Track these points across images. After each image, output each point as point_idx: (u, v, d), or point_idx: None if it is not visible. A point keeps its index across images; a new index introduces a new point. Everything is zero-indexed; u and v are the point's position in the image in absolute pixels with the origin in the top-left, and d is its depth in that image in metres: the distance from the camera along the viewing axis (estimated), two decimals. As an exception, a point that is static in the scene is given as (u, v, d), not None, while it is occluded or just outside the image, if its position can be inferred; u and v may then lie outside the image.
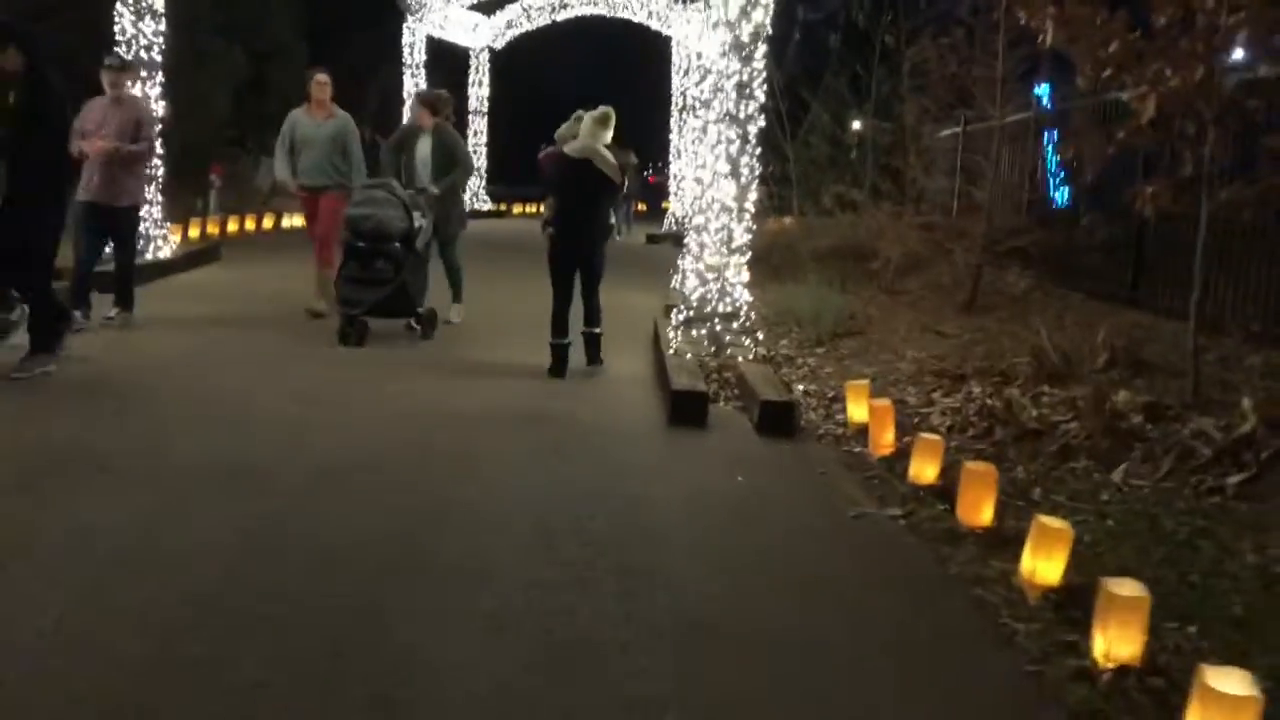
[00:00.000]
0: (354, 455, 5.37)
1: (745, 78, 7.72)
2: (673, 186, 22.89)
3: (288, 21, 27.43)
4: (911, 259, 11.84)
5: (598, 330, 7.87)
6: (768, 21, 7.67)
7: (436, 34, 24.57)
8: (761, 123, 7.91)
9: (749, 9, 7.64)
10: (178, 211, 16.69)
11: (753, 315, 8.16)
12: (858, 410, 6.49)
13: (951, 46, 9.63)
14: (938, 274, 12.25)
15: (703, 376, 7.21)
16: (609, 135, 7.57)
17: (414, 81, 23.63)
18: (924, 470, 5.31)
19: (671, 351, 7.77)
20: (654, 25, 24.51)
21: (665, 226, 22.55)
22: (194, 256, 12.36)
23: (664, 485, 5.22)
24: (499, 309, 10.97)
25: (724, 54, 7.76)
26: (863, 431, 6.35)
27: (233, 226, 16.45)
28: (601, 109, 7.61)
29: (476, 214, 26.58)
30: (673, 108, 22.61)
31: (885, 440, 5.96)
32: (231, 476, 4.86)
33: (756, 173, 7.94)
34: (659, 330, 8.81)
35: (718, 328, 7.93)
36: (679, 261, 12.19)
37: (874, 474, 5.66)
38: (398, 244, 8.16)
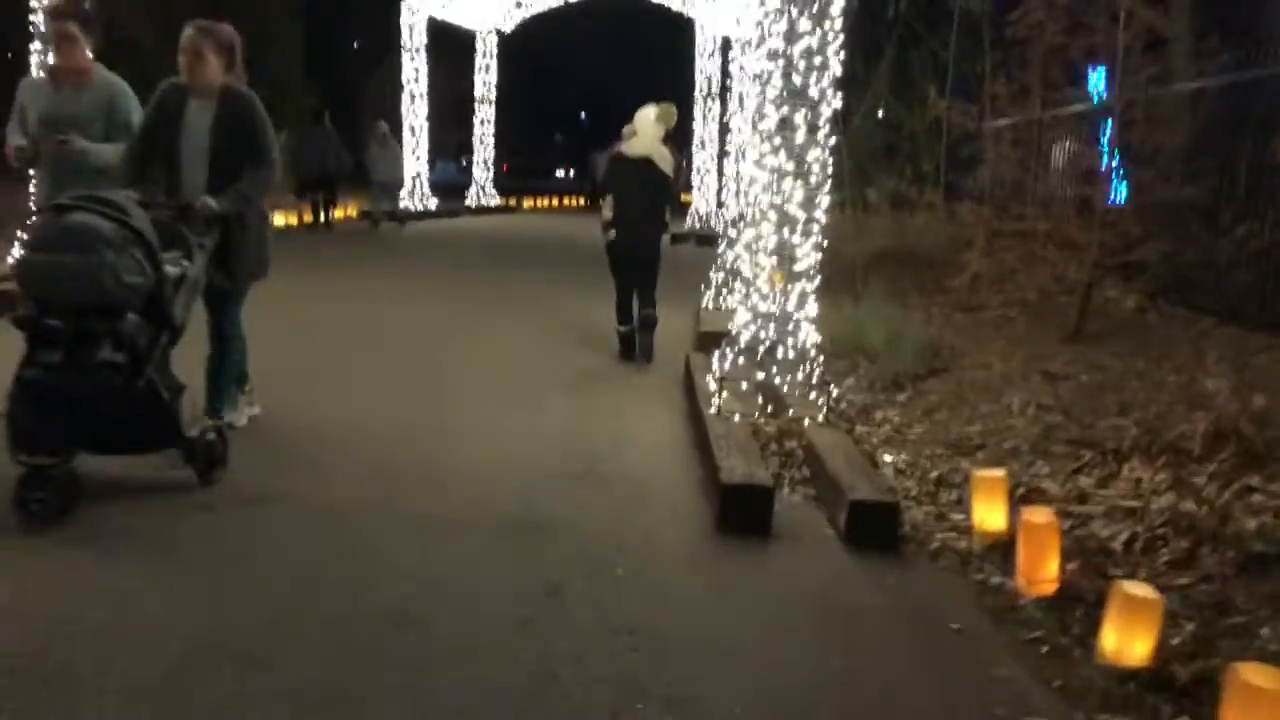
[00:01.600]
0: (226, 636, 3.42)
1: (816, 42, 5.69)
2: (696, 180, 20.87)
3: (280, 2, 25.55)
4: (990, 268, 9.83)
5: (654, 317, 8.13)
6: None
7: (439, 15, 22.59)
8: (837, 103, 5.88)
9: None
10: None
11: (820, 358, 6.13)
12: (991, 515, 4.50)
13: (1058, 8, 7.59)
14: (1019, 286, 10.25)
15: (759, 452, 5.24)
16: (664, 131, 7.79)
17: (414, 67, 21.71)
18: (1131, 644, 3.34)
19: (713, 410, 5.79)
20: (675, 5, 22.44)
21: (688, 223, 20.54)
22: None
23: (717, 672, 3.26)
24: (490, 349, 9.00)
25: (785, 8, 5.73)
26: (997, 546, 4.38)
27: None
28: (663, 105, 7.82)
29: (483, 210, 24.70)
30: (696, 94, 20.60)
31: (1045, 573, 3.99)
32: None
33: (830, 170, 5.93)
34: (693, 375, 6.84)
35: (776, 379, 5.93)
36: (712, 274, 10.21)
37: (1039, 635, 3.69)
38: (131, 315, 4.20)
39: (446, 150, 32.82)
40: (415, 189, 21.95)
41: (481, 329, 9.21)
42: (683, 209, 20.32)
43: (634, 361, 8.01)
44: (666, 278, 11.85)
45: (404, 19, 21.53)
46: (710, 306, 9.75)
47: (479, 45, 24.91)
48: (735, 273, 9.81)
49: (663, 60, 27.51)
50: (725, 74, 21.90)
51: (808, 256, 5.97)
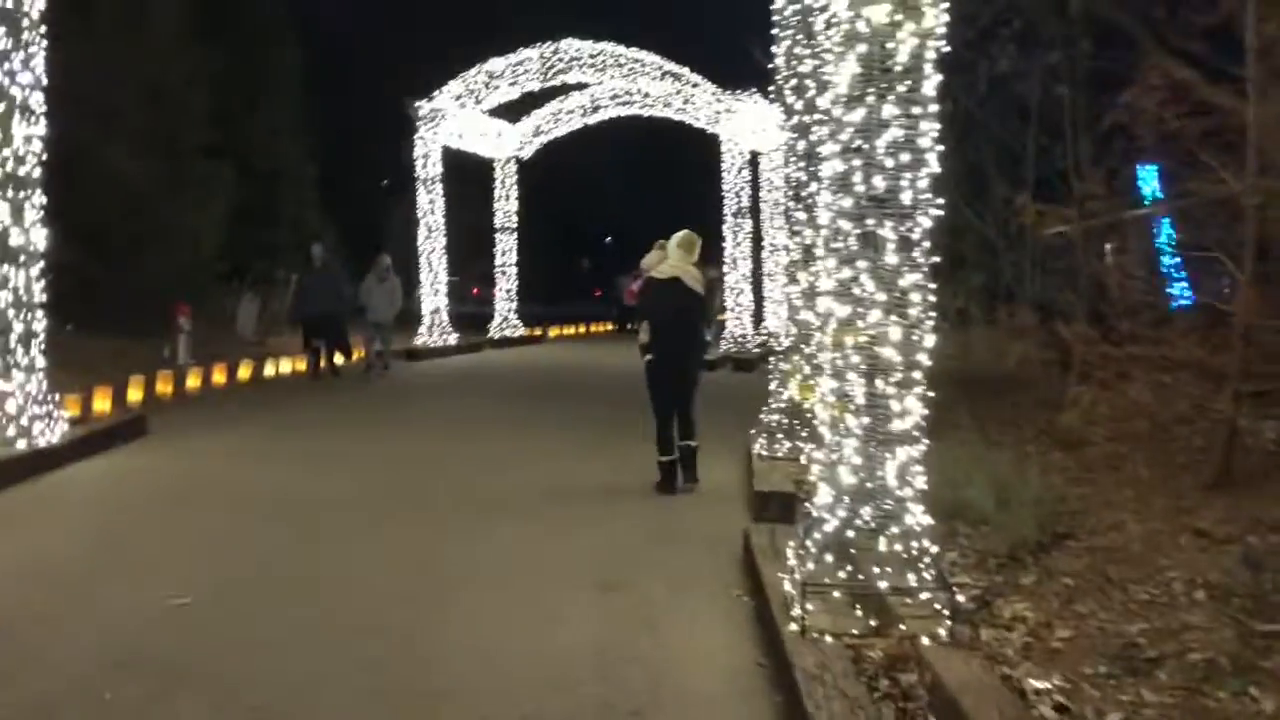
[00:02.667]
0: None
1: (904, 132, 4.31)
2: (729, 298, 19.62)
3: (294, 141, 25.02)
4: (1097, 395, 8.32)
5: (694, 444, 8.06)
6: (940, 25, 4.31)
7: (454, 144, 21.87)
8: (939, 210, 4.47)
9: (908, 6, 4.26)
10: (133, 363, 13.66)
11: (932, 549, 4.56)
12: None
13: (1179, 85, 6.26)
14: (1122, 412, 8.73)
15: (868, 694, 3.70)
16: (694, 256, 8.04)
17: (429, 199, 20.85)
18: None
19: (795, 628, 4.26)
20: (699, 123, 21.63)
21: (723, 347, 19.22)
22: (98, 439, 9.11)
23: None
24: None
25: (858, 87, 4.38)
26: None
27: (193, 382, 13.26)
28: (684, 232, 8.08)
29: (506, 341, 23.55)
30: (725, 212, 19.53)
31: None
32: None
33: (932, 302, 4.49)
34: (757, 564, 5.32)
35: (879, 580, 4.39)
36: (763, 415, 8.76)
37: None
38: None
39: (469, 282, 32.03)
40: (434, 324, 20.85)
41: (490, 497, 7.75)
42: (719, 326, 19.11)
43: (675, 493, 7.84)
44: (703, 407, 10.48)
45: (417, 151, 20.77)
46: (763, 453, 8.28)
47: (497, 174, 24.16)
48: (793, 412, 8.37)
49: (688, 177, 26.68)
50: (755, 188, 20.98)
51: (910, 414, 4.47)
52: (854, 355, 4.53)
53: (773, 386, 8.61)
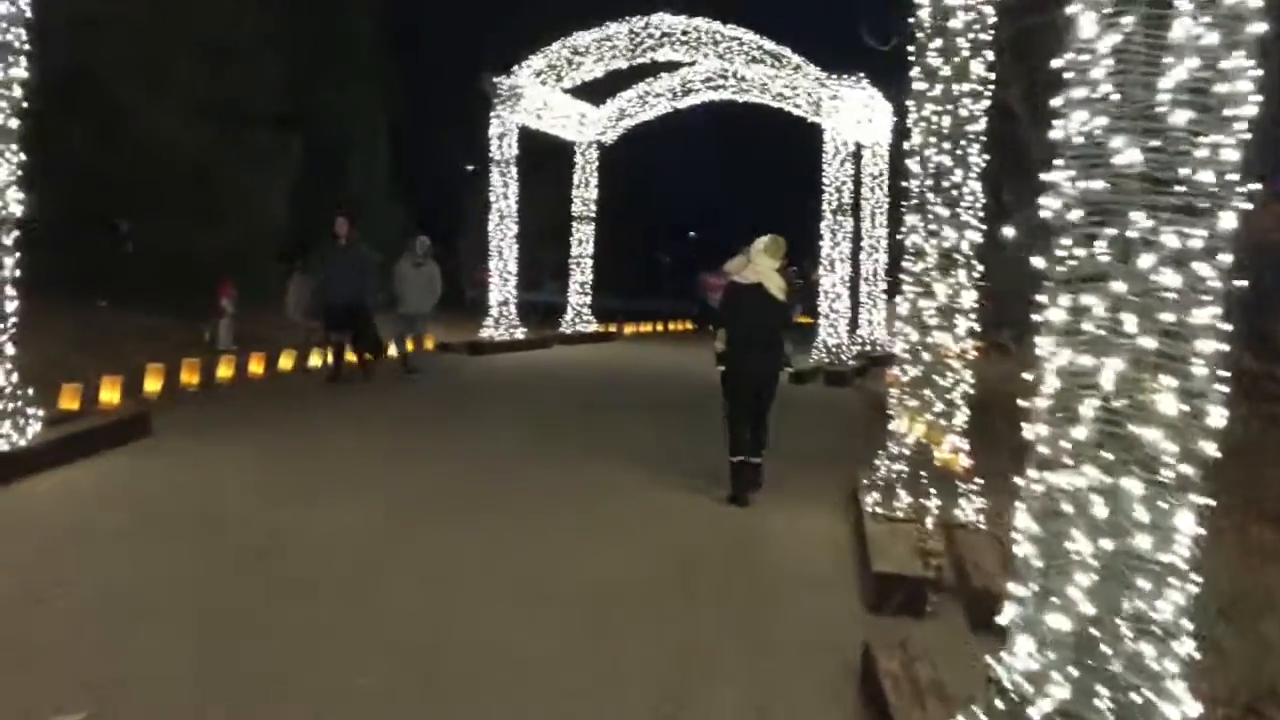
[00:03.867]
0: None
1: (1204, 67, 2.55)
2: (823, 308, 17.78)
3: (367, 115, 23.82)
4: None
5: (759, 460, 7.83)
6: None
7: (533, 124, 20.38)
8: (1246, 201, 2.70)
9: None
10: (165, 347, 12.39)
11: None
12: None
13: None
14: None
15: None
16: (777, 261, 7.82)
17: (503, 181, 19.38)
18: None
19: None
20: (798, 111, 19.80)
21: (814, 357, 17.40)
22: (81, 441, 7.72)
23: None
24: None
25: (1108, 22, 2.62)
26: None
27: (225, 371, 11.89)
28: (770, 237, 7.87)
29: (578, 337, 22.03)
30: (824, 208, 17.67)
31: None
32: None
33: (1223, 353, 2.73)
34: (890, 707, 3.63)
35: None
36: (881, 462, 7.02)
37: None
38: None
39: (541, 271, 30.66)
40: (501, 316, 19.40)
41: (525, 569, 6.14)
42: (804, 335, 17.31)
43: (743, 504, 7.49)
44: (789, 433, 9.38)
45: (493, 130, 19.31)
46: (877, 510, 6.54)
47: (577, 159, 22.64)
48: (919, 461, 6.61)
49: (782, 170, 24.85)
50: (857, 184, 19.10)
51: (1178, 536, 2.72)
52: (1087, 430, 2.80)
53: (893, 425, 6.85)
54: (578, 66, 18.54)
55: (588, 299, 22.96)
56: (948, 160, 6.38)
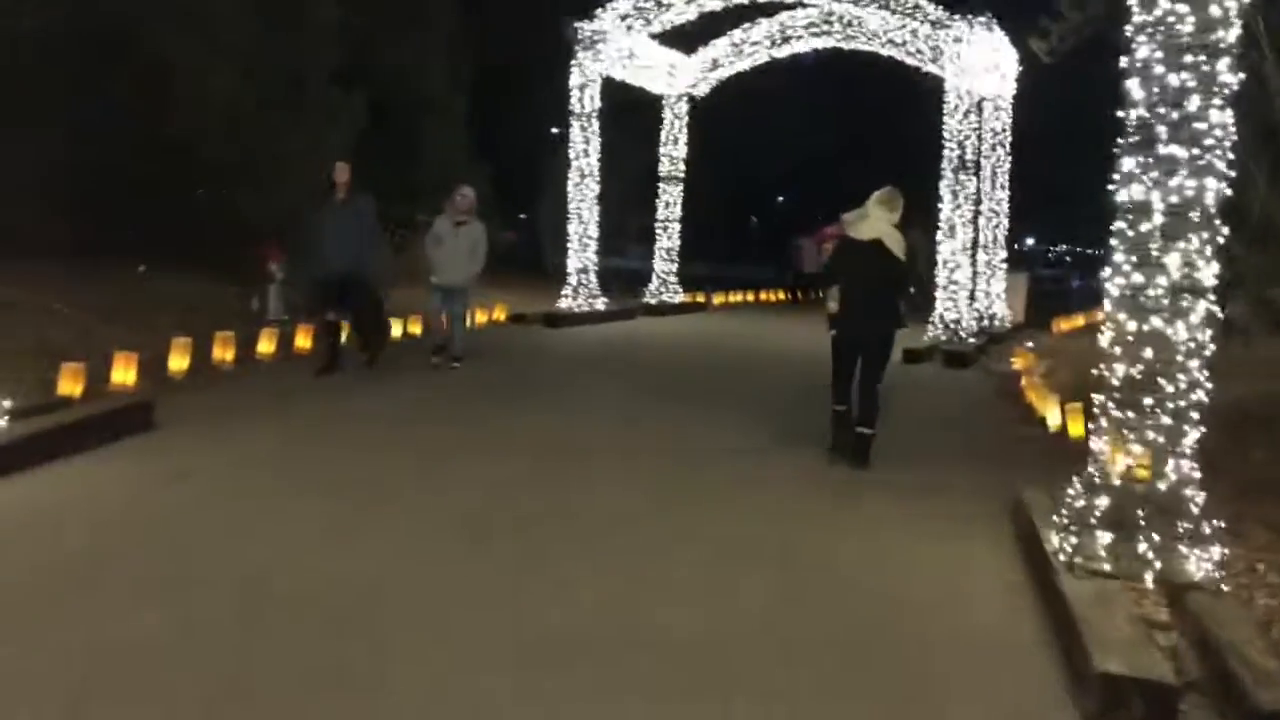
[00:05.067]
0: None
1: None
2: (940, 277, 15.81)
3: (442, 70, 22.34)
4: None
5: (871, 431, 7.35)
6: None
7: (618, 75, 18.69)
8: None
9: None
10: (209, 317, 11.11)
11: None
12: None
13: None
14: None
15: None
16: (895, 216, 7.37)
17: (584, 137, 17.77)
18: None
19: None
20: (914, 59, 17.74)
21: (930, 333, 15.50)
22: (62, 437, 6.35)
23: None
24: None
25: None
26: None
27: (266, 346, 10.52)
28: (886, 189, 7.42)
29: (664, 308, 20.38)
30: (944, 164, 15.66)
31: None
32: None
33: None
34: None
35: None
36: (1072, 498, 5.24)
37: None
38: None
39: (626, 236, 28.98)
40: (580, 285, 17.85)
41: (568, 634, 4.56)
42: (925, 300, 15.43)
43: (843, 459, 7.35)
44: (911, 425, 8.77)
45: (573, 80, 17.66)
46: (1074, 557, 4.78)
47: (666, 114, 20.90)
48: (1135, 497, 4.83)
49: (890, 127, 22.79)
50: (978, 141, 17.05)
51: None
52: None
53: (1096, 445, 5.05)
54: (667, 8, 16.75)
55: (674, 266, 21.30)
56: (1189, 79, 4.56)
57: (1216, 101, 4.59)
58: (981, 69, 15.84)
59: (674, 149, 20.88)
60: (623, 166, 22.29)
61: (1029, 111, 19.44)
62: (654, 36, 18.36)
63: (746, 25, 19.71)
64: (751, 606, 4.63)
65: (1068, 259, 65.09)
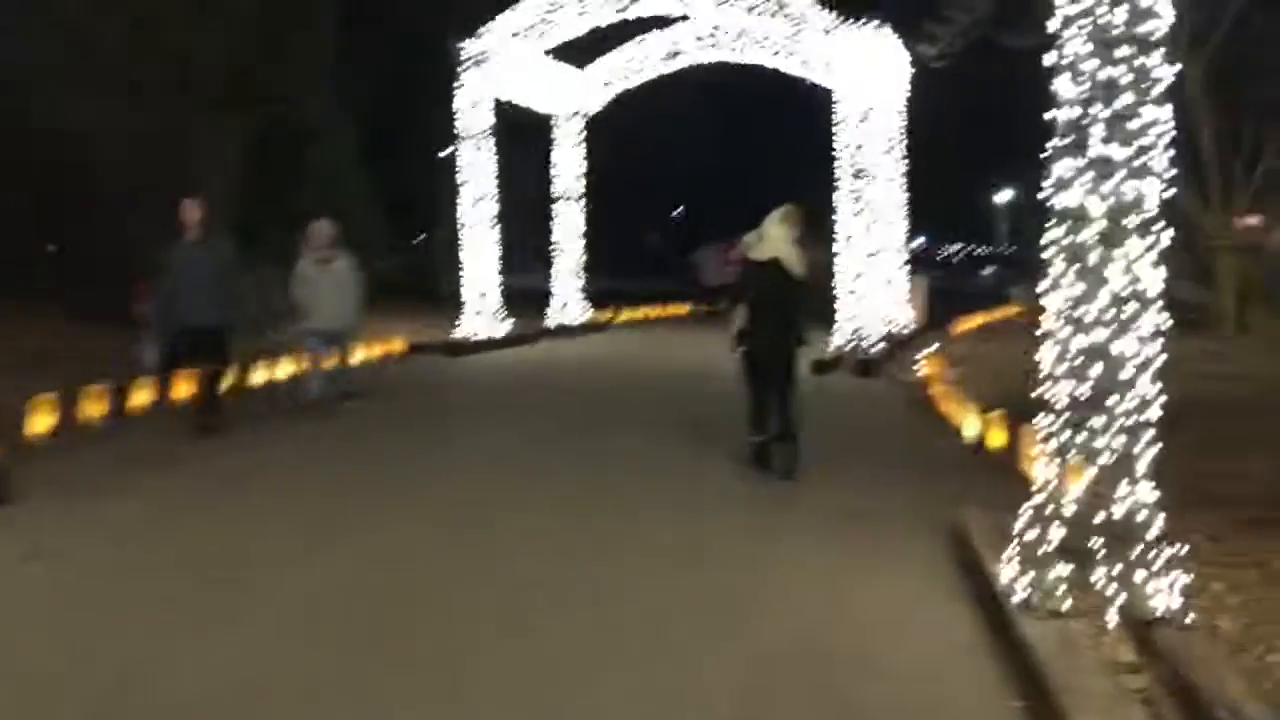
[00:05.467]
0: None
1: None
2: (841, 284, 15.62)
3: (330, 92, 21.49)
4: None
5: (796, 445, 7.52)
6: None
7: (509, 94, 18.19)
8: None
9: None
10: (77, 365, 10.22)
11: None
12: None
13: None
14: None
15: None
16: (795, 232, 7.58)
17: (476, 156, 17.19)
18: None
19: None
20: (804, 69, 17.63)
21: (835, 342, 15.31)
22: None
23: None
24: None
25: None
26: None
27: (140, 399, 9.64)
28: (785, 208, 7.65)
29: (568, 330, 19.87)
30: (840, 172, 15.52)
31: None
32: None
33: None
34: None
35: None
36: (1025, 528, 4.90)
37: None
38: None
39: (528, 254, 28.40)
40: (480, 310, 17.23)
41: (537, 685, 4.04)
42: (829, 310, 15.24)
43: (771, 470, 7.50)
44: (827, 439, 8.45)
45: (462, 98, 17.09)
46: (1028, 595, 4.41)
47: (559, 132, 20.45)
48: (1085, 520, 4.50)
49: (783, 136, 22.72)
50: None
51: None
52: None
53: (1044, 472, 4.70)
54: (556, 24, 16.31)
55: (576, 285, 20.84)
56: (1123, 74, 4.27)
57: (1152, 95, 4.30)
58: (872, 75, 15.76)
59: (569, 166, 20.45)
60: (521, 185, 21.77)
61: (916, 114, 19.52)
62: (545, 53, 17.88)
63: (638, 40, 19.40)
64: (661, 685, 4.13)
65: (953, 260, 66.66)
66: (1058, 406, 4.52)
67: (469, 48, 16.85)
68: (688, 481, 7.63)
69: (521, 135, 21.49)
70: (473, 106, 17.05)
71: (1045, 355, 4.57)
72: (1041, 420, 4.64)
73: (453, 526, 6.36)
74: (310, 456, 8.45)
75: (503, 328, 17.57)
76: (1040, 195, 4.55)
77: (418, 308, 21.39)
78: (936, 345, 15.64)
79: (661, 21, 18.28)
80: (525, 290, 24.07)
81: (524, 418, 10.51)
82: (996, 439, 8.56)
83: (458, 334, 16.88)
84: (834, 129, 16.08)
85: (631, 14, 16.35)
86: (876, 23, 15.35)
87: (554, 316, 20.41)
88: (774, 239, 7.52)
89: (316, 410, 9.96)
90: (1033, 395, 4.74)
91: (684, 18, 17.97)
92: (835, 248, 15.72)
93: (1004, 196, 59.76)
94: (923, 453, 8.91)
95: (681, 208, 48.63)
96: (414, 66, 24.36)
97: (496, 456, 8.45)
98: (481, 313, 17.24)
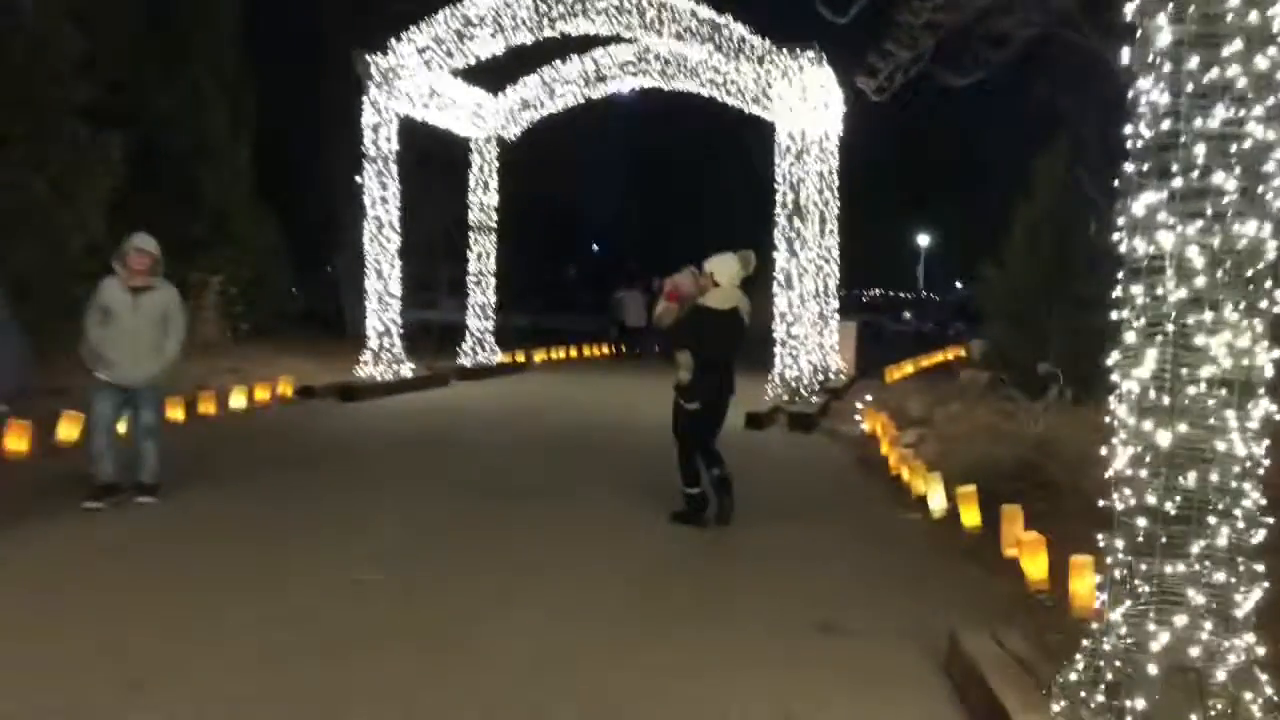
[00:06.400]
0: None
1: None
2: (779, 327, 14.49)
3: (222, 112, 19.82)
4: None
5: (727, 473, 7.39)
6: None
7: (419, 115, 16.80)
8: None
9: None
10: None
11: None
12: None
13: None
14: None
15: None
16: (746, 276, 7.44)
17: (381, 182, 15.74)
18: None
19: None
20: (737, 101, 16.62)
21: (770, 393, 14.17)
22: None
23: None
24: None
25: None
26: None
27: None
28: (743, 253, 7.42)
29: (481, 371, 18.41)
30: (778, 210, 14.43)
31: None
32: None
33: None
34: None
35: None
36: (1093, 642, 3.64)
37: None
38: None
39: (439, 288, 26.89)
40: (381, 349, 15.69)
41: None
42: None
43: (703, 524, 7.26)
44: (764, 520, 7.66)
45: (367, 119, 15.64)
46: None
47: (474, 157, 19.09)
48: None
49: (711, 171, 21.74)
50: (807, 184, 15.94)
51: None
52: None
53: (1113, 614, 3.48)
54: (470, 39, 14.96)
55: (490, 324, 19.41)
56: (1236, 75, 3.11)
57: (1273, 104, 3.15)
58: (810, 108, 14.76)
59: (484, 195, 19.08)
60: (432, 214, 20.36)
61: (845, 154, 18.67)
62: (457, 73, 16.54)
63: (559, 62, 18.18)
64: None
65: (877, 304, 66.53)
66: (1133, 524, 3.31)
67: (374, 64, 15.42)
68: (620, 575, 6.30)
69: (436, 163, 20.12)
70: (376, 128, 15.60)
71: (1115, 454, 3.37)
72: (1107, 541, 3.43)
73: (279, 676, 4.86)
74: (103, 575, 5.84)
75: (407, 369, 16.05)
76: (1110, 231, 3.37)
77: (320, 343, 19.75)
78: (870, 395, 14.62)
79: (587, 43, 17.07)
80: (441, 326, 22.60)
81: (416, 494, 8.47)
82: (970, 517, 7.46)
83: (356, 374, 15.31)
84: (766, 164, 15.04)
85: (550, 34, 15.10)
86: (814, 51, 14.35)
87: (467, 356, 18.94)
88: (729, 285, 7.26)
89: (84, 508, 7.17)
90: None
91: (610, 40, 16.80)
92: (774, 291, 14.57)
93: (924, 240, 60.16)
94: (885, 532, 7.73)
95: (604, 243, 47.33)
96: (315, 84, 22.85)
97: (344, 603, 5.67)
98: (385, 351, 15.71)
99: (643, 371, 19.34)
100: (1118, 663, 3.30)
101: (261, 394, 12.91)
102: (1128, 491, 3.35)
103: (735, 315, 7.28)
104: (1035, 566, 5.99)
